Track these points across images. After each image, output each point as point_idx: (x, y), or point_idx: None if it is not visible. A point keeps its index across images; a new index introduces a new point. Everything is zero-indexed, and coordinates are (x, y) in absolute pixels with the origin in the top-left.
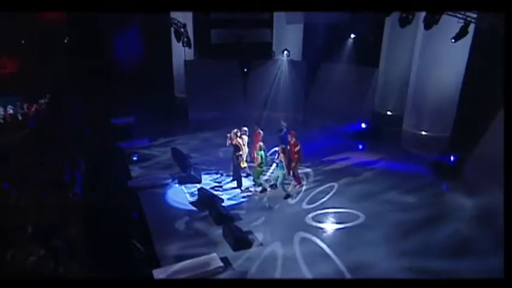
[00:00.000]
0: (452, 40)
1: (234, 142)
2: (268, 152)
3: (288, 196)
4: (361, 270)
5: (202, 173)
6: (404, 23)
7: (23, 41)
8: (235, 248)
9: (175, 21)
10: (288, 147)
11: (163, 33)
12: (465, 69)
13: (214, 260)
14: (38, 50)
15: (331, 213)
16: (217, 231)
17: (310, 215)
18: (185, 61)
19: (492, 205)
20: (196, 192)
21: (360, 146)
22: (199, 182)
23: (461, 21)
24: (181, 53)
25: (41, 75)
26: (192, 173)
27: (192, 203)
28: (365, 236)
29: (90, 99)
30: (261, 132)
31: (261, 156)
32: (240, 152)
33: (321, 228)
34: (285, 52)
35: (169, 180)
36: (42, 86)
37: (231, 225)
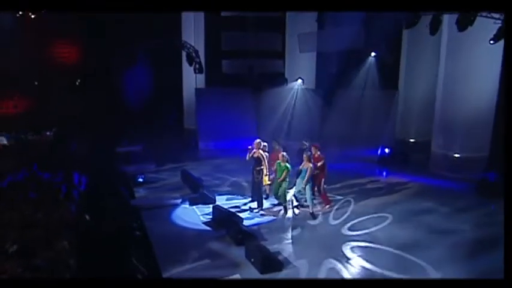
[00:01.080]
0: (491, 42)
1: (256, 154)
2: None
3: (314, 217)
4: None
5: (216, 194)
6: (434, 29)
7: (36, 82)
8: (264, 270)
9: (188, 45)
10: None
11: (174, 62)
12: (499, 80)
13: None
14: (50, 89)
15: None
16: (238, 252)
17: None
18: (196, 89)
19: None
20: (211, 212)
21: (384, 173)
22: (213, 202)
23: (498, 22)
24: (191, 83)
25: (50, 112)
26: (205, 192)
27: (205, 223)
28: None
29: (95, 127)
30: (281, 149)
31: (287, 169)
32: (262, 167)
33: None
34: (299, 80)
35: (179, 201)
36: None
37: (256, 243)
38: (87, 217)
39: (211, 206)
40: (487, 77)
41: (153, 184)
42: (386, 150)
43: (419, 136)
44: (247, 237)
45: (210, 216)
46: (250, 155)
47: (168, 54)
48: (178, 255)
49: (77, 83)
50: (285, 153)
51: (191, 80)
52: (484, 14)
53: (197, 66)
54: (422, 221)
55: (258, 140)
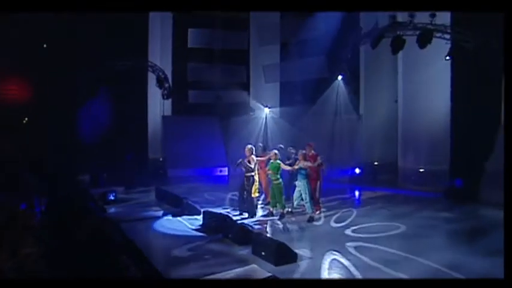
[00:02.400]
0: (447, 58)
1: (249, 159)
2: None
3: (311, 219)
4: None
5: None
6: (396, 49)
7: None
8: (278, 262)
9: (157, 68)
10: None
11: (139, 89)
12: (451, 96)
13: (256, 270)
14: None
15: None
16: (242, 251)
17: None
18: (163, 117)
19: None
20: (201, 218)
21: (357, 192)
22: (199, 213)
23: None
24: (156, 112)
25: None
26: (190, 203)
27: (197, 229)
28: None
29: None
30: (268, 153)
31: (277, 167)
32: (253, 173)
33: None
34: (266, 109)
35: (160, 213)
36: None
37: (264, 237)
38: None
39: (196, 216)
40: (440, 94)
41: (126, 202)
42: (357, 171)
43: (383, 158)
44: (250, 236)
45: (201, 222)
46: (239, 161)
47: (133, 81)
48: (179, 258)
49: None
50: (277, 151)
51: (155, 108)
52: (438, 34)
53: (165, 91)
54: (412, 221)
55: (249, 146)
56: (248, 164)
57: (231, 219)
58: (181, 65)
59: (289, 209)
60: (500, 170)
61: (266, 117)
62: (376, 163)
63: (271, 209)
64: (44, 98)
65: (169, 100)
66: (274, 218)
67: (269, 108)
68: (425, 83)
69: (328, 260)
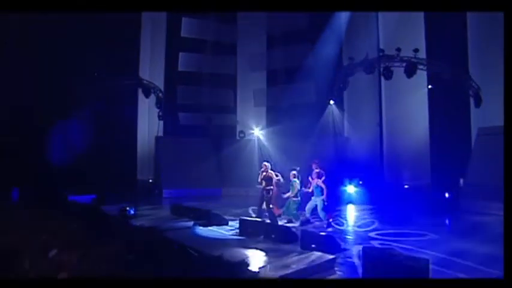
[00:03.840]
0: (429, 86)
1: (267, 175)
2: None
3: (329, 225)
4: None
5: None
6: (386, 76)
7: None
8: (333, 251)
9: (157, 88)
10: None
11: (129, 110)
12: (429, 119)
13: (322, 255)
14: None
15: None
16: (290, 247)
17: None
18: (157, 137)
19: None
20: (238, 225)
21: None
22: (226, 223)
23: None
24: (145, 133)
25: None
26: (218, 213)
27: (236, 234)
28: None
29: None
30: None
31: (297, 184)
32: (271, 186)
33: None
34: (256, 130)
35: (191, 223)
36: None
37: (312, 233)
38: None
39: (224, 226)
40: (420, 118)
41: (145, 217)
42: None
43: (368, 176)
44: (294, 234)
45: (239, 228)
46: (262, 176)
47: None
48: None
49: None
50: (295, 172)
51: (144, 130)
52: (420, 67)
53: (161, 113)
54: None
55: (266, 163)
56: (272, 177)
57: (266, 224)
58: (171, 87)
59: (304, 218)
60: (474, 183)
61: (258, 140)
62: (360, 182)
63: (289, 218)
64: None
65: (161, 121)
66: (295, 225)
67: (259, 130)
68: (406, 108)
69: (356, 248)
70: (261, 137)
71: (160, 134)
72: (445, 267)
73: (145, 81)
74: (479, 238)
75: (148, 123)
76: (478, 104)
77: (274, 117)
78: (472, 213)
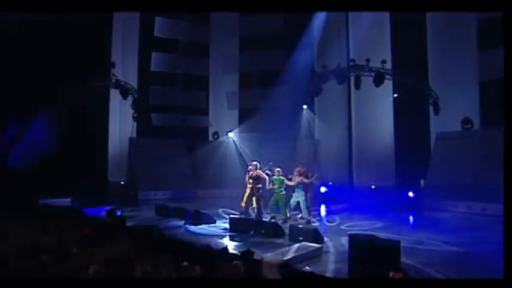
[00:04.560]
0: (395, 95)
1: (254, 174)
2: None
3: (308, 222)
4: None
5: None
6: (357, 85)
7: None
8: (316, 241)
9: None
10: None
11: (101, 107)
12: (393, 124)
13: (307, 245)
14: None
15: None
16: (278, 240)
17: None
18: (130, 138)
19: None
20: (228, 222)
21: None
22: (214, 222)
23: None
24: (116, 133)
25: None
26: (207, 213)
27: (228, 231)
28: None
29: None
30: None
31: (283, 181)
32: (260, 185)
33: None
34: (230, 133)
35: (182, 223)
36: None
37: (299, 227)
38: None
39: (212, 224)
40: (386, 123)
41: (132, 218)
42: (324, 189)
43: (336, 179)
44: (282, 229)
45: (229, 225)
46: (249, 176)
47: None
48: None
49: None
50: (279, 169)
51: (115, 131)
52: (387, 76)
53: (135, 114)
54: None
55: (255, 162)
56: (254, 176)
57: (254, 221)
58: (144, 88)
59: (289, 215)
60: (433, 183)
61: (232, 141)
62: (330, 183)
63: (272, 215)
64: None
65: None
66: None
67: (231, 132)
68: (373, 114)
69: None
70: (235, 139)
71: (134, 135)
72: (413, 251)
73: (122, 82)
74: (438, 230)
75: (119, 124)
76: (436, 111)
77: (247, 120)
78: (432, 210)
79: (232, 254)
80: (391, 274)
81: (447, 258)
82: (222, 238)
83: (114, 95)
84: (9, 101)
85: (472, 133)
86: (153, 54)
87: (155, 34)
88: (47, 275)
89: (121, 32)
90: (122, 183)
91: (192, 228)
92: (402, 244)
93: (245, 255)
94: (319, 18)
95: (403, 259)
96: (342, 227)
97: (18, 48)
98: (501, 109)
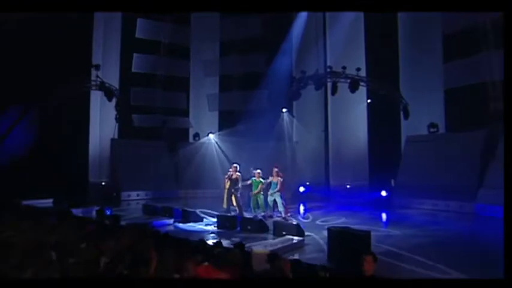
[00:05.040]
0: (368, 100)
1: (234, 176)
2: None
3: (285, 219)
4: None
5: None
6: (333, 91)
7: None
8: (300, 234)
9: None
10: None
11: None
12: (367, 128)
13: (291, 238)
14: None
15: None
16: (263, 235)
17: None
18: (112, 139)
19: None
20: (215, 220)
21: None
22: (202, 220)
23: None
24: (96, 135)
25: None
26: (196, 211)
27: (216, 228)
28: None
29: None
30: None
31: (261, 183)
32: (239, 186)
33: None
34: (211, 135)
35: (171, 221)
36: None
37: (283, 223)
38: None
39: (200, 222)
40: (360, 127)
41: (122, 218)
42: (302, 189)
43: (313, 179)
44: (266, 225)
45: (217, 223)
46: (230, 177)
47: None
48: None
49: None
50: (259, 171)
51: (96, 132)
52: (361, 83)
53: (117, 115)
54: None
55: (235, 165)
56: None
57: (242, 217)
58: (125, 88)
59: (269, 213)
60: (403, 183)
61: (213, 142)
62: (307, 183)
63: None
64: None
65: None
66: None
67: (212, 133)
68: (349, 118)
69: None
70: (216, 140)
71: (115, 136)
72: (383, 241)
73: (107, 84)
74: (406, 225)
75: (100, 125)
76: (406, 116)
77: (227, 121)
78: (401, 208)
79: (226, 246)
80: (363, 257)
81: (413, 245)
82: (211, 234)
83: (95, 97)
84: None
85: (437, 136)
86: (135, 55)
87: (137, 35)
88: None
89: (102, 34)
90: (103, 184)
91: (182, 225)
92: (373, 234)
93: (238, 247)
94: (298, 26)
95: (375, 246)
96: (317, 222)
97: None
98: (464, 114)
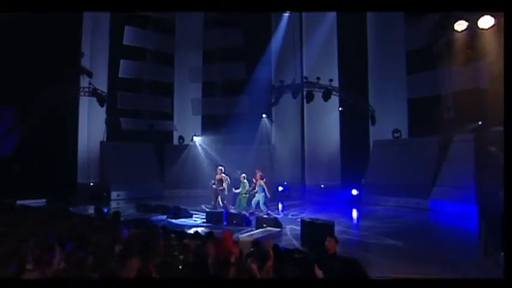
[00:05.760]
0: (340, 108)
1: (218, 177)
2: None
3: (267, 215)
4: None
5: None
6: (309, 99)
7: None
8: (278, 226)
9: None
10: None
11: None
12: (340, 132)
13: (270, 229)
14: None
15: None
16: (248, 228)
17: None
18: (102, 142)
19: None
20: (204, 217)
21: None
22: (191, 216)
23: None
24: (84, 136)
25: None
26: (185, 208)
27: (205, 222)
28: None
29: None
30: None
31: (247, 185)
32: (224, 186)
33: None
34: (195, 137)
35: (164, 217)
36: None
37: (264, 218)
38: None
39: (189, 218)
40: (333, 131)
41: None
42: (280, 188)
43: (290, 179)
44: (250, 220)
45: (207, 218)
46: (215, 179)
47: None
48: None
49: None
50: (244, 174)
51: (84, 135)
52: (334, 93)
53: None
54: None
55: (220, 167)
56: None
57: (229, 213)
58: (113, 93)
59: (252, 210)
60: (371, 182)
61: (196, 145)
62: (285, 183)
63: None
64: None
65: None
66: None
67: (196, 136)
68: (323, 124)
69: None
70: (199, 143)
71: (104, 139)
72: (350, 232)
73: (99, 91)
74: (372, 218)
75: (88, 128)
76: (373, 122)
77: (210, 125)
78: (369, 204)
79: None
80: (327, 239)
81: (372, 232)
82: (201, 227)
83: (83, 101)
84: None
85: (400, 141)
86: (122, 61)
87: (124, 42)
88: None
89: (90, 40)
90: (91, 184)
91: (174, 221)
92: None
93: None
94: (277, 38)
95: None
96: (293, 217)
97: None
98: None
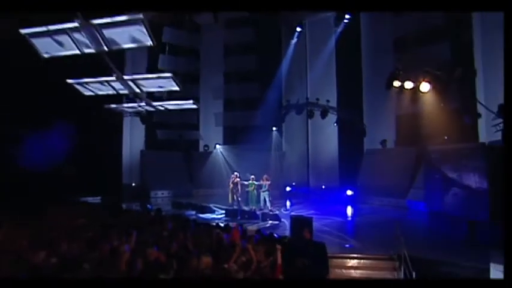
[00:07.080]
0: (335, 124)
1: (235, 181)
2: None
3: (272, 211)
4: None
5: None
6: (310, 116)
7: None
8: (276, 219)
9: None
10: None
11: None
12: (338, 141)
13: (273, 223)
14: None
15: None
16: (256, 221)
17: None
18: (142, 151)
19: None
20: (224, 213)
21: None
22: (214, 212)
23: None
24: (127, 144)
25: None
26: (210, 205)
27: (225, 217)
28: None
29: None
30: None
31: (255, 185)
32: (238, 188)
33: None
34: (218, 146)
35: (194, 212)
36: None
37: (267, 213)
38: None
39: (212, 213)
40: (332, 141)
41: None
42: (288, 189)
43: (297, 181)
44: (257, 215)
45: (222, 215)
46: (232, 182)
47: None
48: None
49: None
50: (253, 176)
51: (127, 143)
52: (331, 111)
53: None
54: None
55: (236, 173)
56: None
57: (242, 210)
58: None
59: (260, 208)
60: (364, 184)
61: (221, 152)
62: (293, 184)
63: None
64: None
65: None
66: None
67: (219, 145)
68: (324, 135)
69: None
70: (221, 150)
71: (144, 147)
72: (343, 230)
73: (143, 111)
74: (364, 214)
75: (130, 138)
76: (364, 135)
77: (230, 135)
78: (360, 203)
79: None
80: (304, 230)
81: (351, 227)
82: (221, 220)
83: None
84: (31, 109)
85: (386, 150)
86: None
87: (159, 67)
88: None
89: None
90: (133, 185)
91: (202, 215)
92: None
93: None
94: (285, 64)
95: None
96: (292, 213)
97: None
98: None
